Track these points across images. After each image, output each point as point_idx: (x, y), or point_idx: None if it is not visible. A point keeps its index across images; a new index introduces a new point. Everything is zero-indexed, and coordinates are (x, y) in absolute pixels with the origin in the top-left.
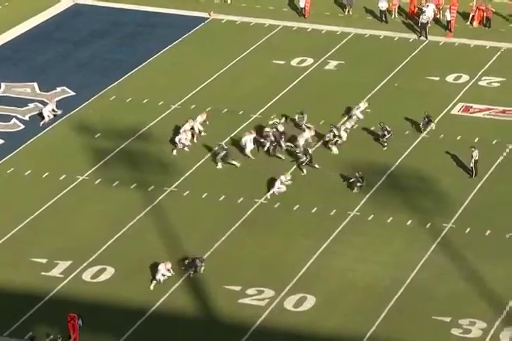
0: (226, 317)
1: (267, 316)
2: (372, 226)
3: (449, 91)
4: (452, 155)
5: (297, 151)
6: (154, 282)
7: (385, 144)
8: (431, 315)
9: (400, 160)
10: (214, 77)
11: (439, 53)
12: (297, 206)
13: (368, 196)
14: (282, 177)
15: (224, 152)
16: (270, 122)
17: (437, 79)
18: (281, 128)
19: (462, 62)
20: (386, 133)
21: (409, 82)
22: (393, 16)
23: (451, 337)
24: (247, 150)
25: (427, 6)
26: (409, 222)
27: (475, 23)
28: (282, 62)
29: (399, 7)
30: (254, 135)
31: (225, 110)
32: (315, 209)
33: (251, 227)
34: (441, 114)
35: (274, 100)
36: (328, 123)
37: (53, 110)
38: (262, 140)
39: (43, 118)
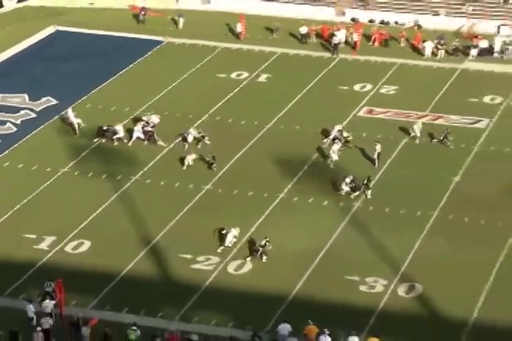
0: (181, 280)
1: (213, 278)
2: (297, 205)
3: (356, 97)
4: (360, 149)
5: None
6: (222, 247)
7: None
8: (343, 275)
9: (318, 152)
10: (169, 88)
11: (348, 68)
12: (236, 191)
13: (292, 182)
14: (347, 179)
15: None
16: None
17: (347, 88)
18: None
19: (366, 74)
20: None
21: (325, 91)
22: (311, 39)
23: (360, 293)
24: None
25: (339, 30)
26: (325, 203)
27: (376, 44)
28: (224, 76)
29: (316, 31)
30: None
31: (178, 114)
32: (251, 193)
33: (200, 208)
34: (351, 116)
35: (217, 105)
36: (262, 124)
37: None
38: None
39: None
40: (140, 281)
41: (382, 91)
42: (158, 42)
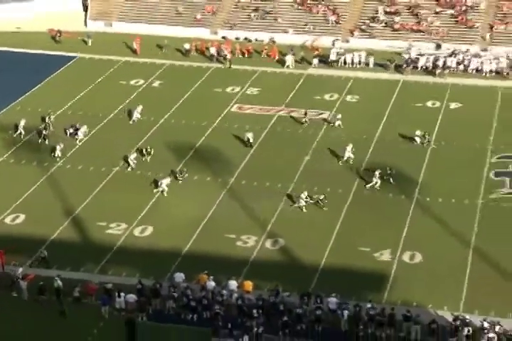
0: (98, 242)
1: (123, 240)
2: (189, 182)
3: (228, 97)
4: (234, 136)
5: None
6: (292, 206)
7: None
8: (223, 234)
9: (202, 140)
10: (82, 93)
11: (222, 74)
12: (139, 171)
13: (182, 163)
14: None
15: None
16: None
17: (221, 90)
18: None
19: (235, 79)
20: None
21: (204, 92)
22: (192, 53)
23: (237, 247)
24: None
25: (211, 45)
26: (208, 179)
27: (246, 55)
28: (125, 82)
29: (195, 47)
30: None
31: (90, 113)
32: (149, 173)
33: (111, 186)
34: (225, 112)
35: (121, 106)
36: (157, 119)
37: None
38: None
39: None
40: (66, 244)
41: (248, 92)
42: (72, 58)
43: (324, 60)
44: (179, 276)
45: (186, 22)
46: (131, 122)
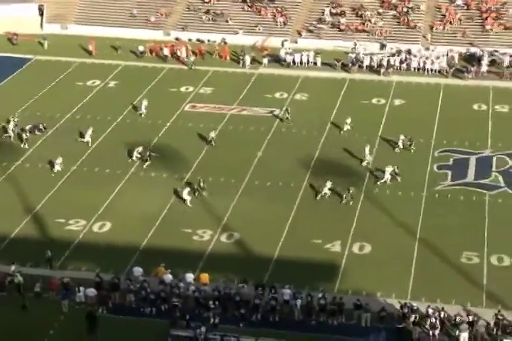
0: (58, 238)
1: (82, 236)
2: (146, 179)
3: (182, 96)
4: (190, 135)
5: None
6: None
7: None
8: (181, 228)
9: (157, 138)
10: (39, 94)
11: (176, 74)
12: (97, 168)
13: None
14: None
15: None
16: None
17: (175, 90)
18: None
19: (189, 79)
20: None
21: (161, 91)
22: (146, 54)
23: (193, 241)
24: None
25: (165, 53)
26: (164, 175)
27: (198, 56)
28: (81, 83)
29: (149, 49)
30: None
31: (48, 114)
32: (108, 170)
33: (69, 183)
34: (179, 110)
35: (78, 106)
36: (113, 119)
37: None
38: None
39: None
40: (26, 241)
41: (201, 91)
42: (29, 60)
43: (274, 59)
44: (137, 270)
45: (140, 24)
46: (143, 115)
